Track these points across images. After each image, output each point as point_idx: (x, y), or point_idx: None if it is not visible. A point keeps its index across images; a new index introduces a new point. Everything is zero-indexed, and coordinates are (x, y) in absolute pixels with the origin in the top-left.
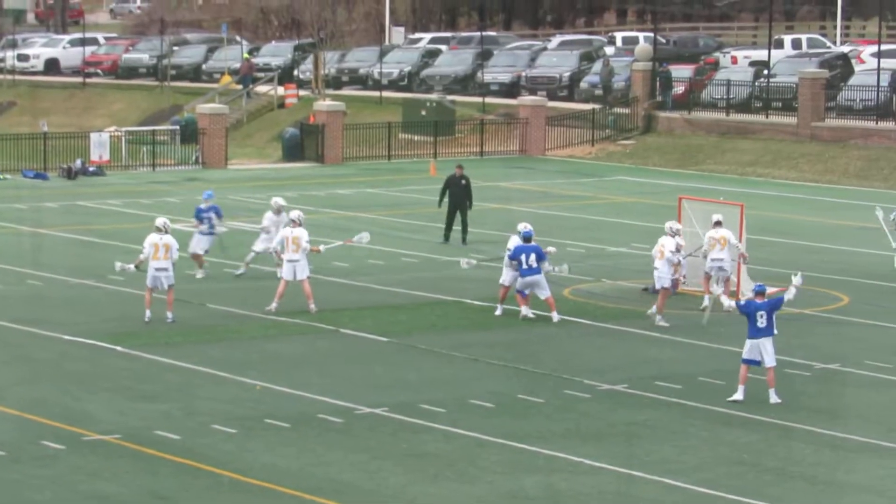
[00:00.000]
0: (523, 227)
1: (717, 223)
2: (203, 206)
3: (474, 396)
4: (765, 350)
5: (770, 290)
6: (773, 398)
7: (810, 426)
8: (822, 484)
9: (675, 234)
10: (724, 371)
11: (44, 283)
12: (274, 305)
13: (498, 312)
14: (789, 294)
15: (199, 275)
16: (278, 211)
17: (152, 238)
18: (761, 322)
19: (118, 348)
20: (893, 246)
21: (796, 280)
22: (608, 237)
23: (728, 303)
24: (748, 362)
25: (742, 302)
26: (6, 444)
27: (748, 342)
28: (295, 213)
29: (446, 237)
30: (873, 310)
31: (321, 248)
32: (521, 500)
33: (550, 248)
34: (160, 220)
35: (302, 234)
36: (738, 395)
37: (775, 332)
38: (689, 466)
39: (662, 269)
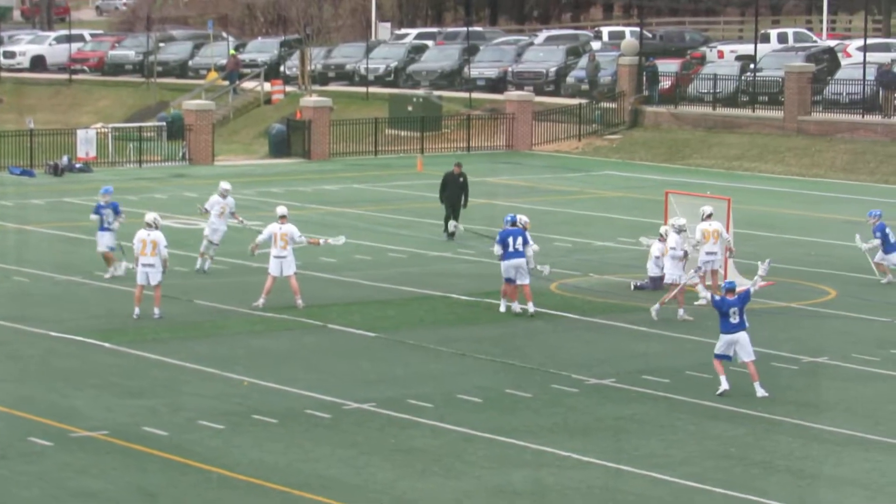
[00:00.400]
0: (518, 218)
1: (709, 216)
2: (102, 201)
3: (462, 391)
4: (740, 345)
5: (739, 287)
6: (760, 391)
7: (797, 420)
8: (810, 477)
9: (679, 230)
10: (710, 365)
11: (30, 279)
12: (261, 301)
13: (503, 309)
14: (755, 285)
15: (108, 275)
16: (224, 195)
17: (140, 234)
18: (734, 318)
19: (106, 345)
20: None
21: (762, 269)
22: (595, 232)
23: (704, 293)
24: (721, 357)
25: (717, 298)
26: None
27: (722, 337)
28: (282, 209)
29: (446, 232)
30: (860, 303)
31: (321, 241)
32: (508, 495)
33: (534, 247)
34: (150, 216)
35: (291, 229)
36: (725, 385)
37: (747, 325)
38: (676, 460)
39: (668, 265)
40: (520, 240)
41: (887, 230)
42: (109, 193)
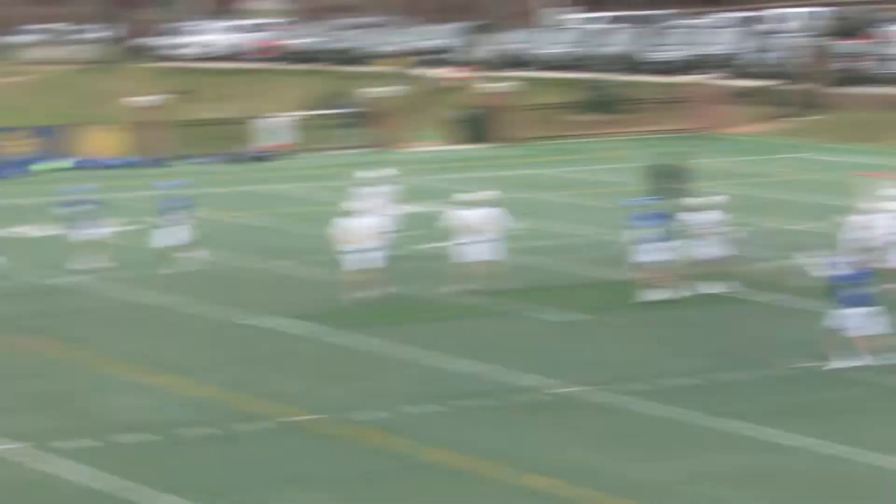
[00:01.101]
0: None
1: None
2: None
3: (673, 374)
4: None
5: None
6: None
7: None
8: None
9: None
10: None
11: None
12: (463, 286)
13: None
14: None
15: None
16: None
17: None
18: None
19: (315, 328)
20: None
21: None
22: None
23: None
24: None
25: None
26: (214, 422)
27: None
28: (482, 195)
29: None
30: None
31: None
32: (737, 478)
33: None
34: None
35: (497, 214)
36: None
37: None
38: None
39: None
40: None
41: None
42: None
